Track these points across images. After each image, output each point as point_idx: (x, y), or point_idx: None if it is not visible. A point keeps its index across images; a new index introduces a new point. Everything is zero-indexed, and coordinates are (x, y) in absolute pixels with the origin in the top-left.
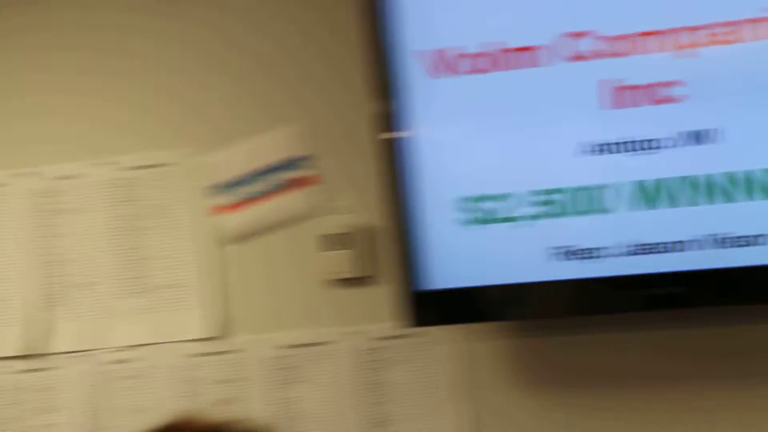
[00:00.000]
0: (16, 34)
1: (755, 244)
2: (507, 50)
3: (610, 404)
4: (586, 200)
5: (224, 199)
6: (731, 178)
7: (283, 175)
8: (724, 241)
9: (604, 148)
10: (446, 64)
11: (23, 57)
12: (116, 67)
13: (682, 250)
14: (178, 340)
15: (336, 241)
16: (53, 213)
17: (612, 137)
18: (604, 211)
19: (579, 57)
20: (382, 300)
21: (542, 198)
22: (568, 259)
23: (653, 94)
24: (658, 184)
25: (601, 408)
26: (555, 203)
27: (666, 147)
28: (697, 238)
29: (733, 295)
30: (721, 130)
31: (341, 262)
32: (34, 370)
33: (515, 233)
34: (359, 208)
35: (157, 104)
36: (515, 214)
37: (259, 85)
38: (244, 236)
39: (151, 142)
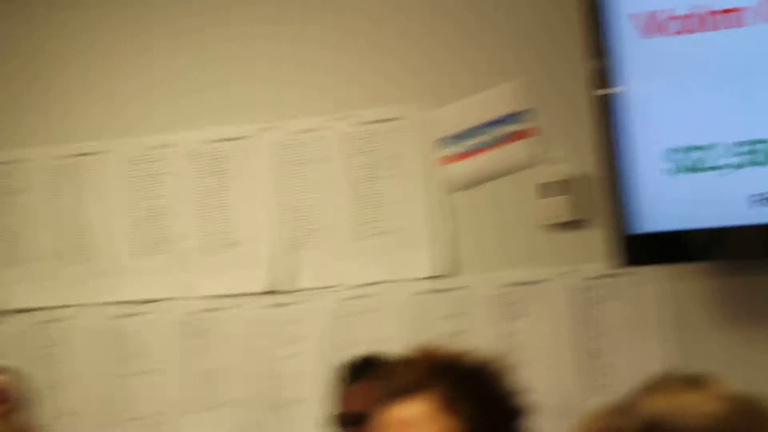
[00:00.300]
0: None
1: None
2: (714, 12)
3: None
4: None
5: (452, 150)
6: None
7: (505, 127)
8: None
9: None
10: (657, 25)
11: (265, 26)
12: (357, 28)
13: None
14: (409, 278)
15: (553, 188)
16: (296, 164)
17: None
18: None
19: None
20: (595, 242)
21: (746, 148)
22: None
23: None
24: None
25: None
26: (757, 153)
27: None
28: None
29: None
30: None
31: (558, 207)
32: (281, 305)
33: (719, 181)
34: (575, 158)
35: (390, 63)
36: (720, 163)
37: (483, 45)
38: (469, 184)
39: (386, 98)
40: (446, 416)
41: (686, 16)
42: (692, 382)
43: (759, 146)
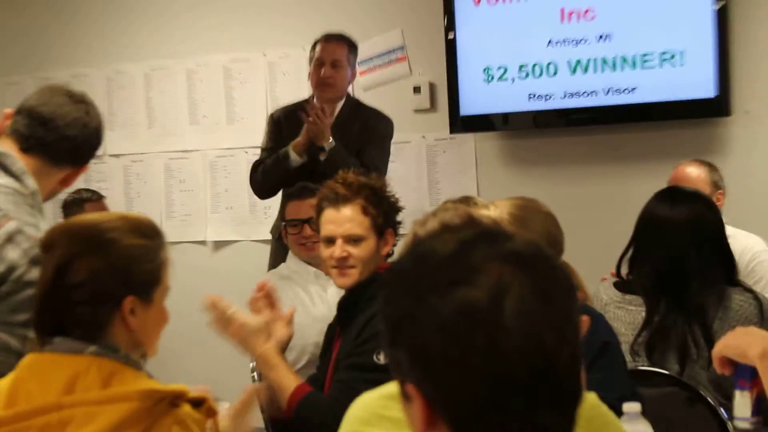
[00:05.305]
0: None
1: None
2: None
3: None
4: None
5: (363, 67)
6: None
7: (391, 55)
8: None
9: None
10: None
11: None
12: None
13: None
14: None
15: (418, 90)
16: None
17: None
18: None
19: None
20: (441, 120)
21: (525, 69)
22: None
23: None
24: None
25: None
26: (532, 71)
27: None
28: None
29: None
30: None
31: (421, 100)
32: None
33: (511, 86)
34: (430, 73)
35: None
36: (511, 77)
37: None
38: (373, 87)
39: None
40: (365, 216)
41: None
42: (483, 202)
43: (529, 68)
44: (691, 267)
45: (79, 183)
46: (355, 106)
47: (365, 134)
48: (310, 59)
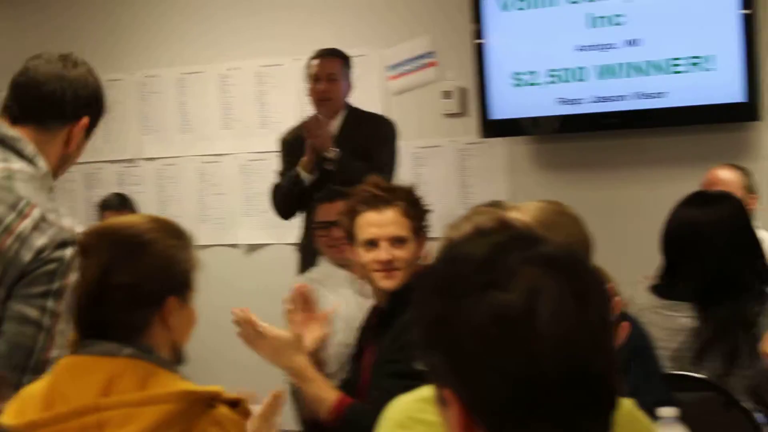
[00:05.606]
0: None
1: None
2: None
3: None
4: None
5: (393, 72)
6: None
7: (420, 61)
8: None
9: None
10: (508, 4)
11: None
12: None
13: None
14: None
15: (447, 94)
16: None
17: None
18: None
19: None
20: (470, 124)
21: (553, 73)
22: None
23: None
24: None
25: None
26: (559, 76)
27: None
28: None
29: None
30: None
31: (450, 105)
32: None
33: (539, 90)
34: (459, 78)
35: (357, 20)
36: (540, 81)
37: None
38: (403, 91)
39: (354, 41)
40: (406, 218)
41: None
42: (511, 206)
43: (560, 72)
44: (735, 271)
45: (113, 186)
46: (356, 115)
47: (370, 139)
48: (307, 76)
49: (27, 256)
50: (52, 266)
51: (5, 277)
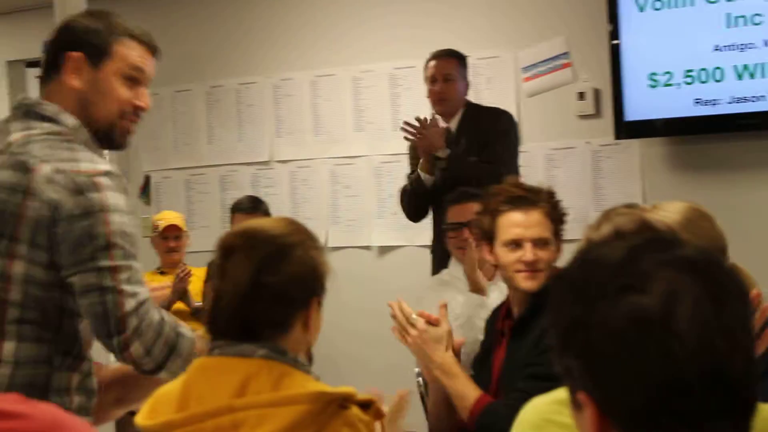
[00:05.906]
0: None
1: None
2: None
3: None
4: None
5: (527, 74)
6: None
7: (555, 62)
8: None
9: None
10: (647, 3)
11: None
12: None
13: None
14: None
15: (582, 95)
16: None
17: None
18: None
19: None
20: (605, 125)
21: (690, 74)
22: None
23: None
24: None
25: None
26: (696, 76)
27: None
28: None
29: None
30: None
31: (585, 105)
32: None
33: (676, 91)
34: (595, 79)
35: (492, 24)
36: (676, 82)
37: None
38: (537, 93)
39: (488, 44)
40: (549, 220)
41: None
42: (650, 207)
43: (695, 73)
44: None
45: (247, 188)
46: (475, 110)
47: (488, 133)
48: (424, 78)
49: (45, 211)
50: (85, 223)
51: (38, 238)
